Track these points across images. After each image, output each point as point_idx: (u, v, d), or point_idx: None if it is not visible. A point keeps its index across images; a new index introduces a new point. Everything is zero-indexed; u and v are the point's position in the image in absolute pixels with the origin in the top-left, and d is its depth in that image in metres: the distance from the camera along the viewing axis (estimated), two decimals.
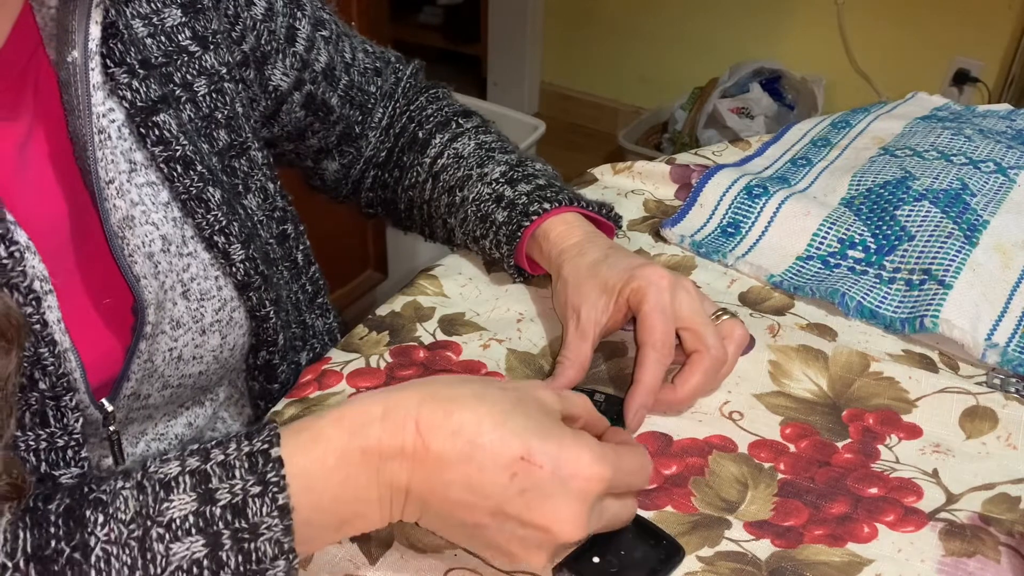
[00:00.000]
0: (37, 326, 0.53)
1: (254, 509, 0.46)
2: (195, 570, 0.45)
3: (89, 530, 0.45)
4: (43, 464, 0.54)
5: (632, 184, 0.94)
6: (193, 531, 0.45)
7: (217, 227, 0.63)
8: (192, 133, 0.63)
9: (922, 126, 0.98)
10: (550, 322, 0.74)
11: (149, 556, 0.45)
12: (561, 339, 0.68)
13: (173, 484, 0.46)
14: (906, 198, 0.82)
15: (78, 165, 0.59)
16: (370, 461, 0.47)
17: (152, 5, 0.62)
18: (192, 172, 0.62)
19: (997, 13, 2.24)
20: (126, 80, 0.59)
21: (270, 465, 0.46)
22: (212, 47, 0.66)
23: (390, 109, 0.86)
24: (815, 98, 2.45)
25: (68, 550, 0.45)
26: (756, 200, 0.85)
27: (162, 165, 0.61)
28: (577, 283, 0.67)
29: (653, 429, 0.64)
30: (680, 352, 0.64)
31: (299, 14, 0.75)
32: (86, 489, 0.47)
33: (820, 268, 0.79)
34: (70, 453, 0.55)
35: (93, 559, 0.44)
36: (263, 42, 0.72)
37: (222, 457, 0.47)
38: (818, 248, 0.81)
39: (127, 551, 0.45)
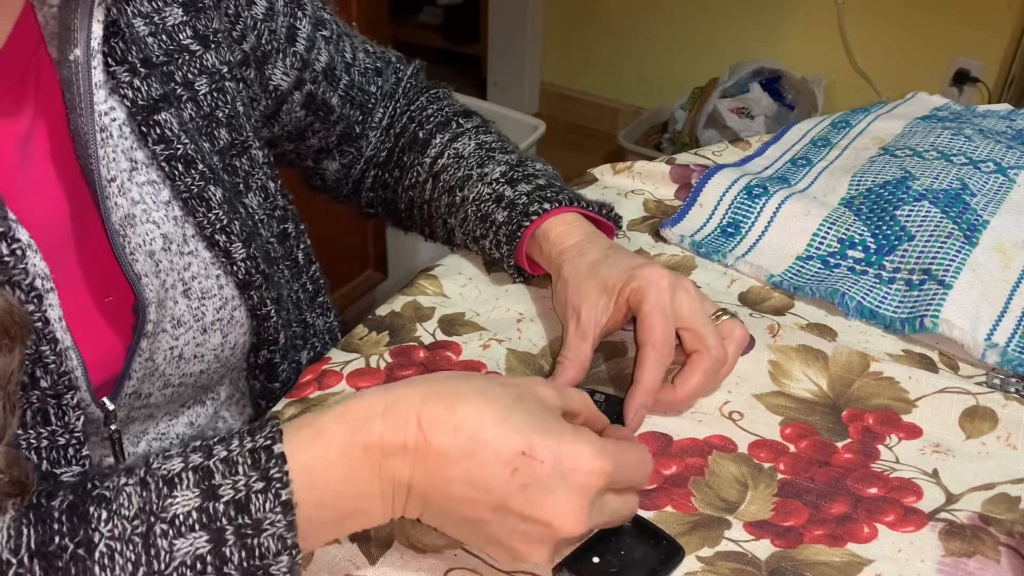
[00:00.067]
0: (38, 324, 0.53)
1: (257, 505, 0.46)
2: (199, 566, 0.45)
3: (93, 526, 0.45)
4: (44, 462, 0.54)
5: (632, 184, 0.94)
6: (196, 527, 0.45)
7: (218, 226, 0.63)
8: (193, 132, 0.63)
9: (922, 126, 0.98)
10: (550, 322, 0.74)
11: (153, 552, 0.45)
12: (561, 339, 0.68)
13: (176, 480, 0.46)
14: (906, 198, 0.82)
15: (79, 163, 0.59)
16: (372, 457, 0.48)
17: (153, 4, 0.63)
18: (193, 171, 0.62)
19: (997, 13, 2.25)
20: (127, 79, 0.59)
21: (273, 461, 0.47)
22: (213, 46, 0.66)
23: (391, 109, 0.86)
24: (815, 98, 2.45)
25: (72, 546, 0.45)
26: (756, 200, 0.85)
27: (163, 164, 0.61)
28: (577, 283, 0.67)
29: (653, 429, 0.64)
30: (680, 352, 0.64)
31: (300, 14, 0.75)
32: (89, 486, 0.47)
33: (820, 268, 0.79)
34: (71, 451, 0.55)
35: (97, 555, 0.45)
36: (264, 41, 0.72)
37: (225, 453, 0.47)
38: (818, 248, 0.81)
39: (131, 547, 0.45)
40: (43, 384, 0.53)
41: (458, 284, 0.78)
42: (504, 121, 1.94)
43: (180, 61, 0.64)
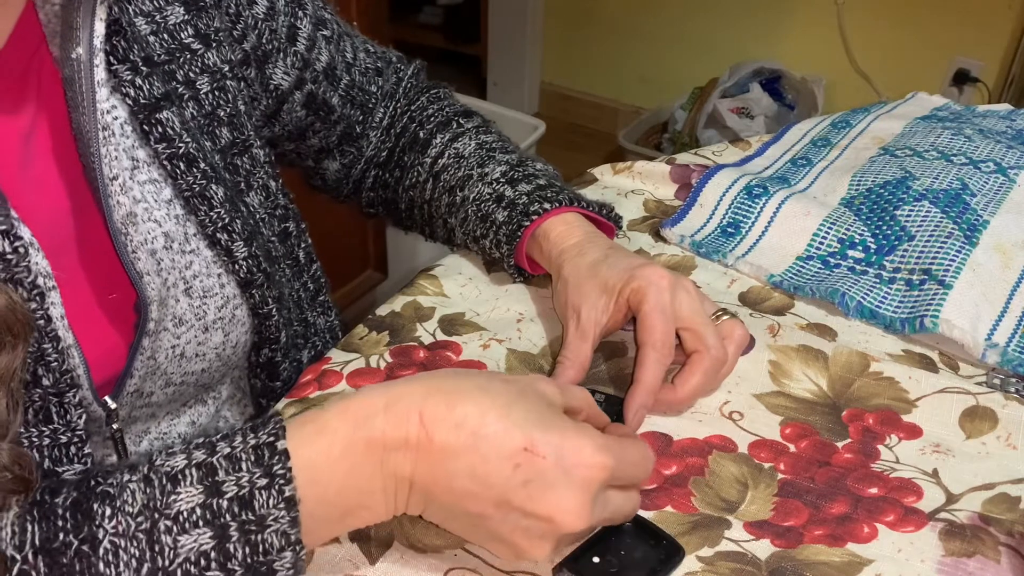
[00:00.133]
0: (41, 322, 0.53)
1: (261, 501, 0.46)
2: (203, 562, 0.45)
3: (97, 523, 0.45)
4: (46, 461, 0.55)
5: (632, 184, 0.94)
6: (200, 523, 0.45)
7: (220, 224, 0.63)
8: (195, 130, 0.63)
9: (922, 126, 0.98)
10: (550, 322, 0.74)
11: (157, 548, 0.45)
12: (561, 339, 0.68)
13: (180, 477, 0.46)
14: (906, 198, 0.82)
15: (81, 162, 0.59)
16: (374, 452, 0.48)
17: (155, 3, 0.63)
18: (195, 169, 0.62)
19: (997, 13, 2.25)
20: (129, 77, 0.59)
21: (276, 457, 0.47)
22: (214, 45, 0.66)
23: (391, 109, 0.86)
24: (815, 98, 2.45)
25: (76, 543, 0.45)
26: (756, 200, 0.85)
27: (165, 162, 0.61)
28: (577, 283, 0.67)
29: (653, 429, 0.64)
30: (680, 352, 0.65)
31: (300, 13, 0.75)
32: (93, 482, 0.47)
33: (820, 268, 0.79)
34: (73, 450, 0.55)
35: (101, 552, 0.45)
36: (264, 41, 0.72)
37: (228, 450, 0.47)
38: (818, 248, 0.81)
39: (135, 544, 0.45)
40: (45, 382, 0.53)
41: (458, 284, 0.78)
42: (504, 121, 1.94)
43: (182, 60, 0.64)
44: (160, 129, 0.60)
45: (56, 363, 0.54)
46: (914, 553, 0.55)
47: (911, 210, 0.81)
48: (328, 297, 0.83)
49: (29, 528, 0.45)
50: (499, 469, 0.47)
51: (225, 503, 0.46)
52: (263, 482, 0.46)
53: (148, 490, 0.46)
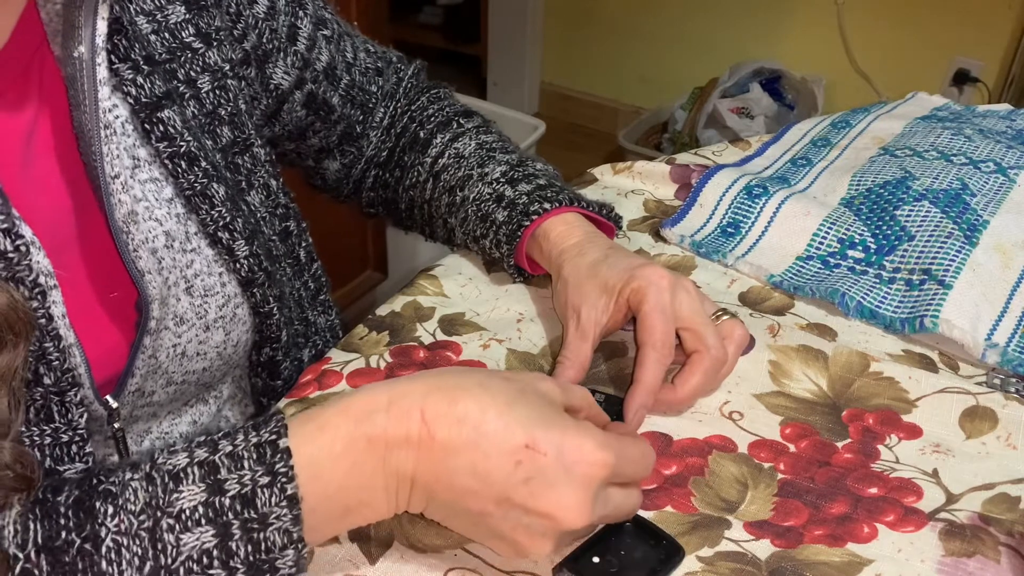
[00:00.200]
0: (42, 320, 0.53)
1: (263, 499, 0.46)
2: (205, 560, 0.45)
3: (99, 521, 0.45)
4: (48, 459, 0.55)
5: (632, 184, 0.94)
6: (203, 521, 0.46)
7: (221, 223, 0.63)
8: (196, 129, 0.63)
9: (922, 126, 0.98)
10: (550, 322, 0.74)
11: (159, 547, 0.45)
12: (561, 339, 0.68)
13: (182, 475, 0.46)
14: (906, 198, 0.82)
15: (82, 160, 0.59)
16: (376, 449, 0.48)
17: (156, 2, 0.63)
18: (196, 168, 0.62)
19: (997, 13, 2.25)
20: (131, 76, 0.59)
21: (278, 455, 0.47)
22: (215, 44, 0.66)
23: (391, 109, 0.86)
24: (815, 98, 2.45)
25: (79, 541, 0.45)
26: (756, 200, 0.85)
27: (166, 161, 0.61)
28: (577, 283, 0.67)
29: (653, 429, 0.64)
30: (680, 352, 0.65)
31: (301, 13, 0.76)
32: (95, 481, 0.47)
33: (820, 268, 0.79)
34: (74, 449, 0.55)
35: (104, 550, 0.45)
36: (264, 40, 0.72)
37: (230, 448, 0.47)
38: (818, 248, 0.81)
39: (137, 542, 0.45)
40: (46, 381, 0.53)
41: (458, 284, 0.79)
42: (504, 121, 1.94)
43: (183, 59, 0.64)
44: (161, 128, 0.61)
45: (57, 362, 0.54)
46: (914, 553, 0.55)
47: (911, 210, 0.81)
48: (329, 296, 0.83)
49: (31, 526, 0.45)
50: (500, 466, 0.47)
51: (227, 501, 0.46)
52: (265, 480, 0.46)
53: (150, 488, 0.46)
